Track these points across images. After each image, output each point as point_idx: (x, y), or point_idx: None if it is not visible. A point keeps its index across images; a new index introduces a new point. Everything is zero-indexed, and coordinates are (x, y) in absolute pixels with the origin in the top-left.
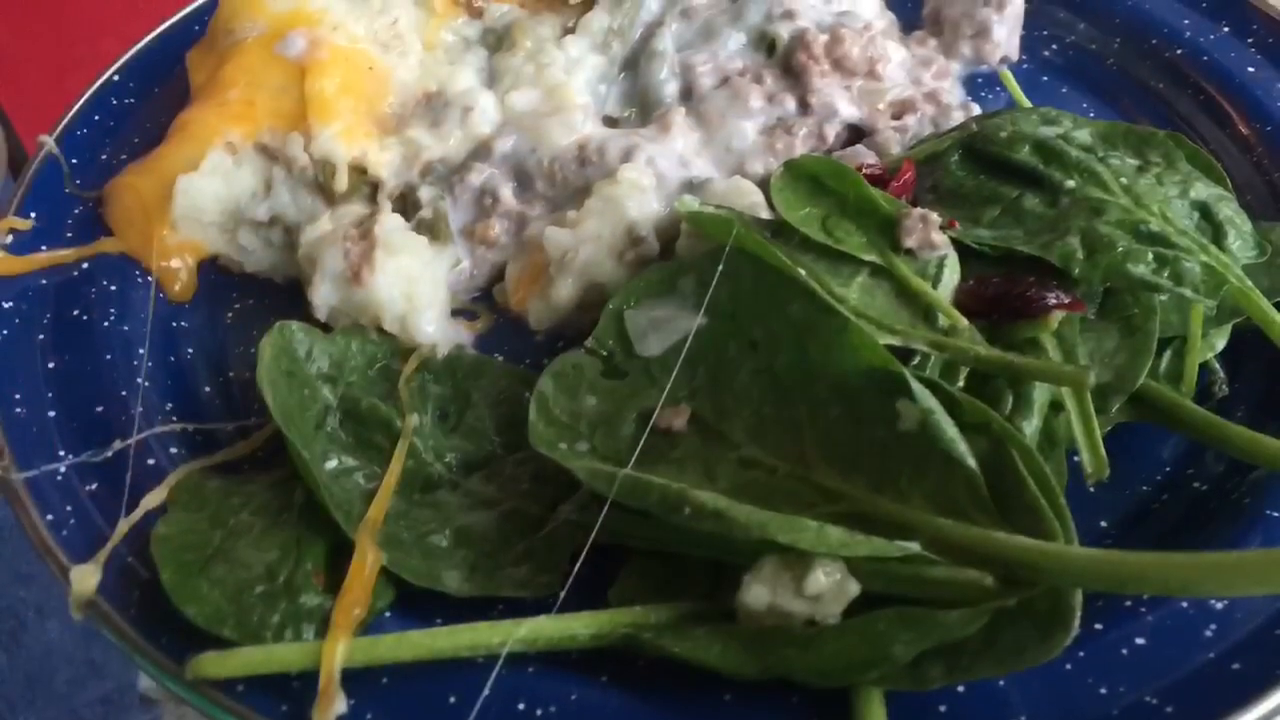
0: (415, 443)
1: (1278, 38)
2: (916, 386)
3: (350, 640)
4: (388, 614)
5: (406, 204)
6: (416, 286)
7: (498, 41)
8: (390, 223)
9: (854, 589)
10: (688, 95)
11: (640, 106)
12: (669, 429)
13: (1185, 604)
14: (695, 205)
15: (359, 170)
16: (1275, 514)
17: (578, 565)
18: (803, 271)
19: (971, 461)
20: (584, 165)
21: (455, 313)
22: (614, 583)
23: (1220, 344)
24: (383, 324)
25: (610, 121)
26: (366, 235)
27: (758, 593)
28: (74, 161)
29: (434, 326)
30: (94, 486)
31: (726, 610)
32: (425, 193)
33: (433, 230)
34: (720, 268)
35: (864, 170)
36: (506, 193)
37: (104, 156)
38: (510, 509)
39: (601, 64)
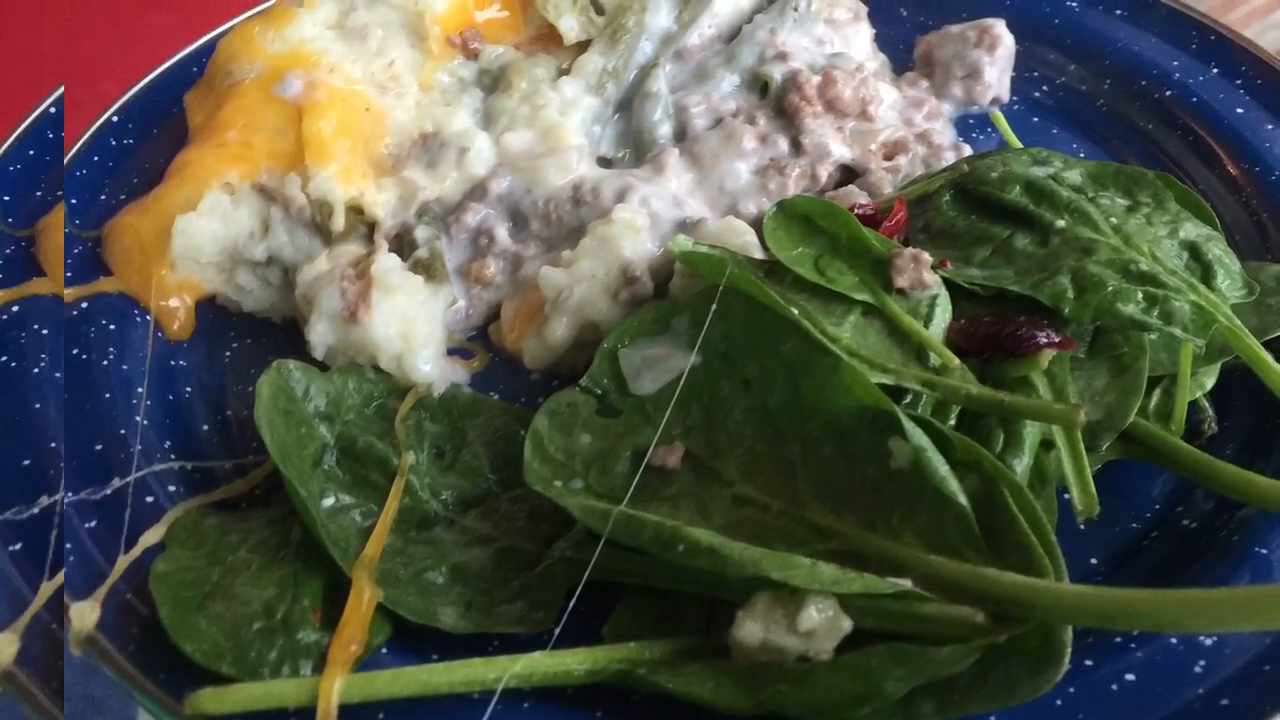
0: (411, 480)
1: (1266, 79)
2: (908, 425)
3: (347, 676)
4: (384, 650)
5: (403, 244)
6: (412, 325)
7: (493, 83)
8: (386, 262)
9: (846, 625)
10: (682, 136)
11: (634, 147)
12: (663, 467)
13: (1175, 640)
14: (689, 245)
15: (356, 210)
16: (1264, 551)
17: (572, 602)
18: (795, 311)
19: (963, 499)
20: (579, 205)
21: (451, 351)
22: (609, 619)
23: (1209, 382)
24: (379, 363)
25: (604, 162)
26: (363, 275)
27: (751, 629)
28: (73, 202)
29: (430, 365)
30: (94, 524)
31: (720, 646)
32: (421, 233)
33: (429, 270)
34: (714, 307)
35: (856, 210)
36: (502, 233)
37: (103, 197)
38: (506, 546)
39: (596, 105)
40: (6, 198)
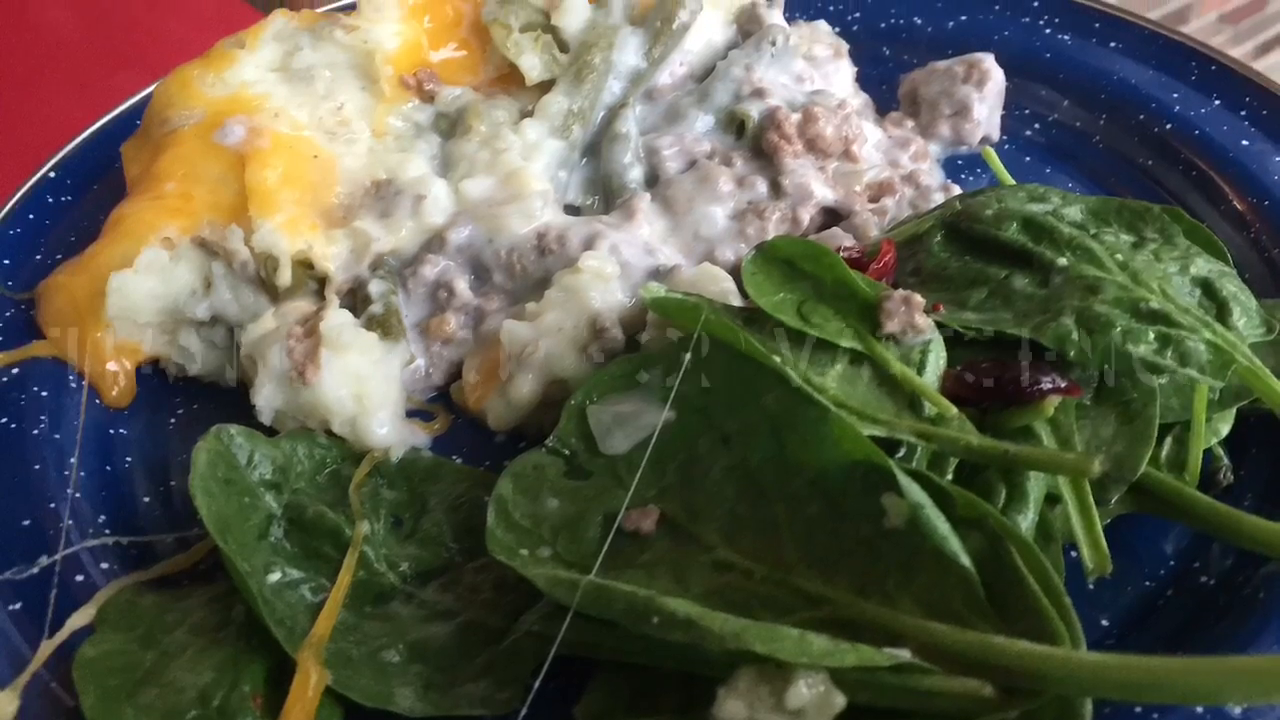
0: (367, 552)
1: (1272, 109)
2: (903, 480)
3: None
4: None
5: (356, 299)
6: (367, 386)
7: (450, 127)
8: (336, 319)
9: (839, 702)
10: (653, 180)
11: (603, 193)
12: (637, 532)
13: (1201, 710)
14: (661, 291)
15: (304, 264)
16: None
17: (539, 679)
18: (778, 359)
19: (965, 560)
20: (544, 255)
21: (410, 413)
22: (580, 698)
23: (1224, 429)
24: (332, 427)
25: (572, 210)
26: (311, 333)
27: (734, 708)
28: (5, 262)
29: (387, 428)
30: (17, 606)
31: None
32: (375, 287)
33: (384, 326)
34: (688, 357)
35: (841, 253)
36: (462, 285)
37: (38, 256)
38: (469, 620)
39: (561, 148)
40: (7, 261)
